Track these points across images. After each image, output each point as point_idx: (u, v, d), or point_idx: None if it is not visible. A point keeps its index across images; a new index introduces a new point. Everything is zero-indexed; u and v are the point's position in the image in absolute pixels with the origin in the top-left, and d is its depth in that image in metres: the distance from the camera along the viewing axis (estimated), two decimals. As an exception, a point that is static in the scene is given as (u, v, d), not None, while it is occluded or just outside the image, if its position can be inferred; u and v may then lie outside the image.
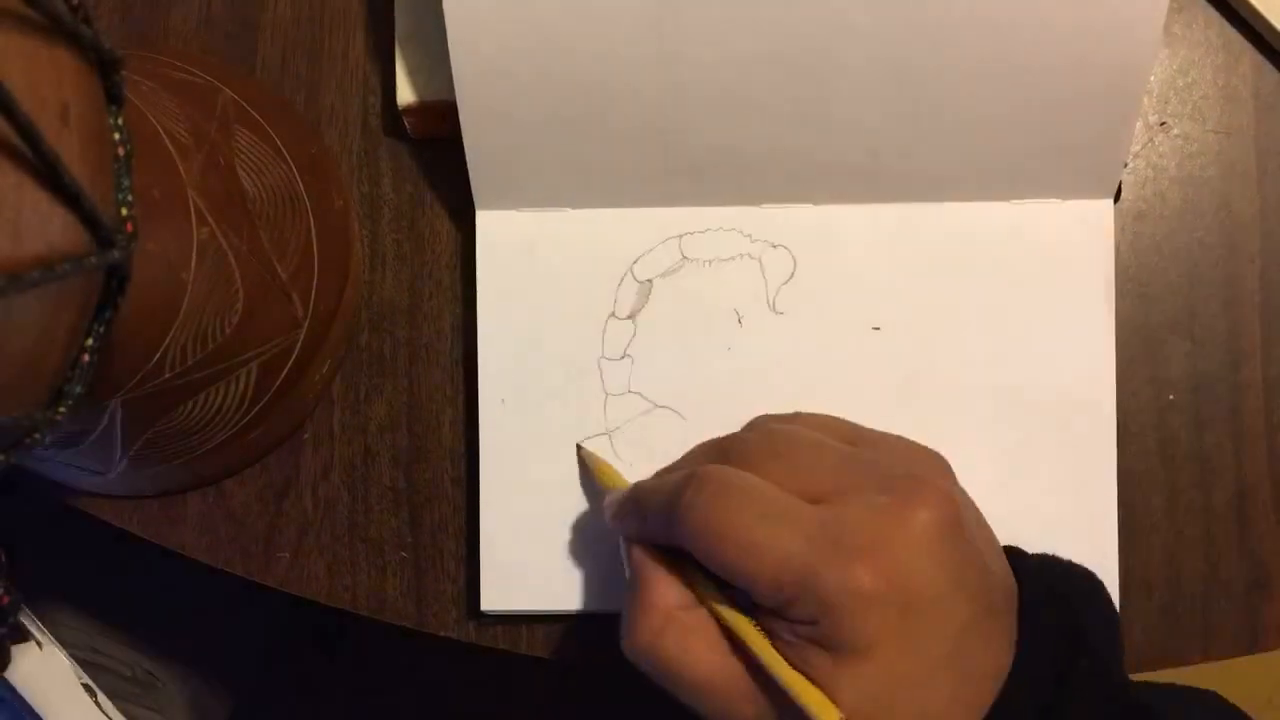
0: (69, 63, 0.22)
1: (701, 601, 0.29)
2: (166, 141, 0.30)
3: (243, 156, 0.34)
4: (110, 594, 0.53)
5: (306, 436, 0.39)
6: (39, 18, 0.21)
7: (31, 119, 0.20)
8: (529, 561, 0.36)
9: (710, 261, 0.37)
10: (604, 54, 0.33)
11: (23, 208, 0.21)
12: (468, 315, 0.38)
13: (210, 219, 0.31)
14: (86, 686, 0.37)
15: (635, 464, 0.36)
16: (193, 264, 0.30)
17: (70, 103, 0.22)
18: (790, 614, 0.27)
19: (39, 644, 0.37)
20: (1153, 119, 0.38)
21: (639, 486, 0.32)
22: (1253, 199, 0.37)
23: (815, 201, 0.36)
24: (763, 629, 0.28)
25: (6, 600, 0.26)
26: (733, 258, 0.37)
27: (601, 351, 0.37)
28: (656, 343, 0.36)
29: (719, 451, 0.31)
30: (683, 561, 0.29)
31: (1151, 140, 0.38)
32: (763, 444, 0.30)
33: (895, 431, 0.31)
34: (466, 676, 0.87)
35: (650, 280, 0.37)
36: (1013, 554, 0.30)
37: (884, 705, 0.26)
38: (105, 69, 0.23)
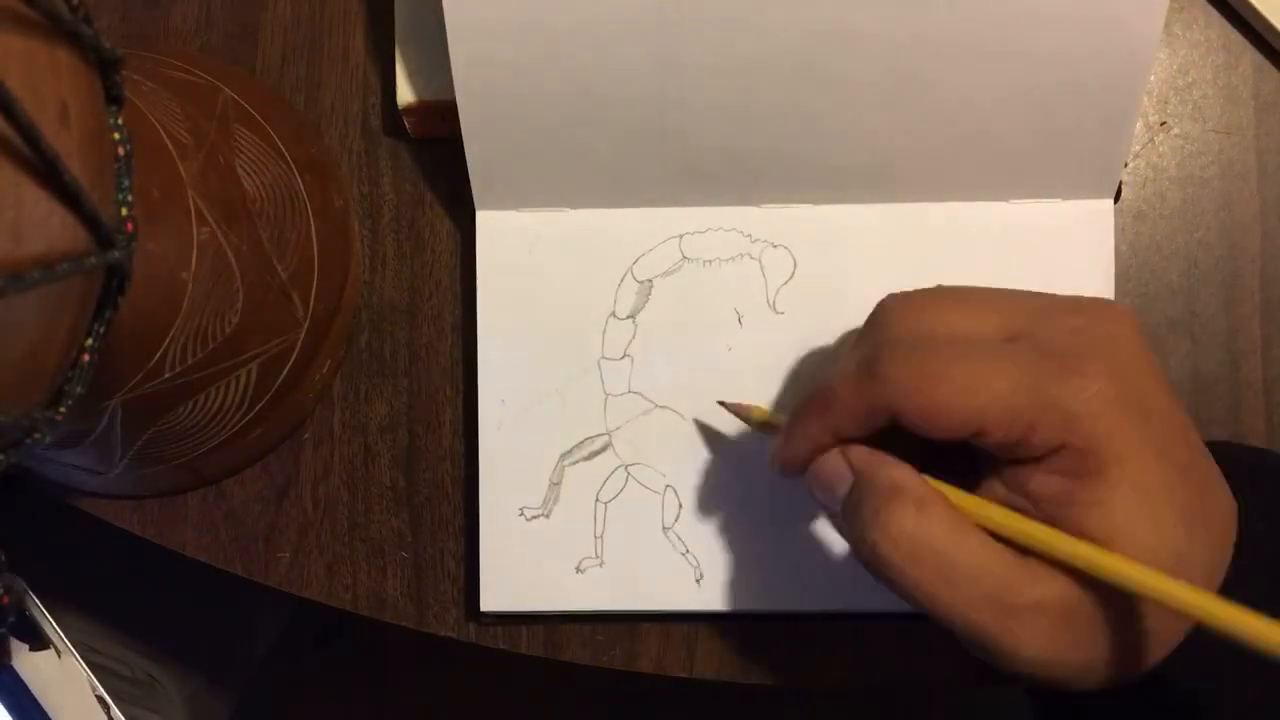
0: (69, 62, 0.22)
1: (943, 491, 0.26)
2: (166, 141, 0.30)
3: (243, 156, 0.34)
4: (110, 594, 0.53)
5: (306, 437, 0.39)
6: (39, 17, 0.21)
7: (31, 119, 0.20)
8: (529, 561, 0.36)
9: (710, 261, 0.37)
10: (604, 53, 0.33)
11: (23, 208, 0.21)
12: (468, 315, 0.38)
13: (210, 219, 0.31)
14: (100, 699, 0.37)
15: (636, 465, 0.36)
16: (193, 264, 0.30)
17: (70, 102, 0.22)
18: (1031, 445, 0.25)
19: (58, 652, 0.37)
20: (1153, 119, 0.38)
21: (806, 396, 0.29)
22: (1253, 199, 0.37)
23: (815, 201, 0.36)
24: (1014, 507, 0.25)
25: (6, 600, 0.26)
26: (733, 258, 0.37)
27: (601, 351, 0.37)
28: (656, 343, 0.36)
29: (869, 329, 0.28)
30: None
31: (1151, 140, 0.38)
32: (921, 299, 0.28)
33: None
34: (467, 676, 0.87)
35: (650, 280, 0.37)
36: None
37: (1150, 515, 0.24)
38: (105, 69, 0.23)
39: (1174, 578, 0.23)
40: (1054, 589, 0.25)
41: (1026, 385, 0.25)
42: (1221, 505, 0.26)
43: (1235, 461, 0.28)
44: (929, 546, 0.25)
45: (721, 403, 0.35)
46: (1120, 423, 0.25)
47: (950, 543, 0.25)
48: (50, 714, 0.36)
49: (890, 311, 0.28)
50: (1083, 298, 0.28)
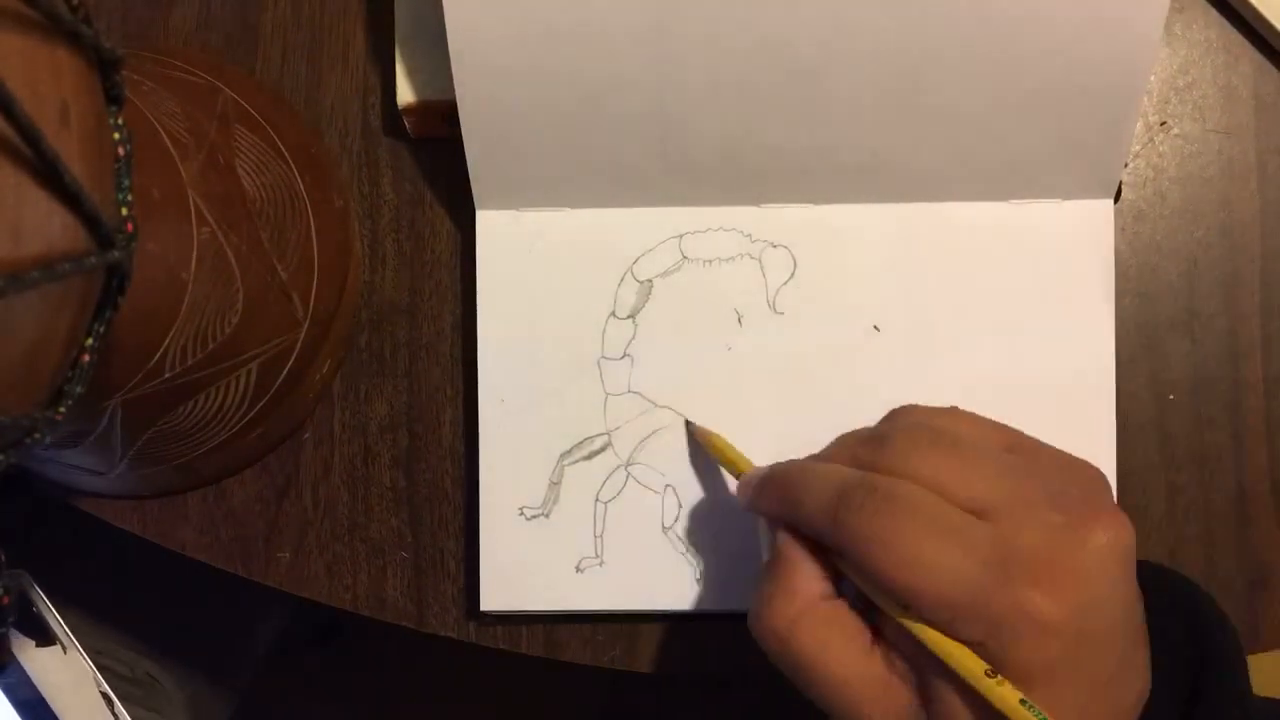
0: (69, 62, 0.22)
1: (859, 600, 0.28)
2: (166, 141, 0.30)
3: (243, 156, 0.34)
4: (110, 594, 0.53)
5: (307, 436, 0.39)
6: (39, 17, 0.21)
7: (31, 119, 0.20)
8: (529, 561, 0.36)
9: (710, 261, 0.37)
10: (604, 53, 0.33)
11: (23, 208, 0.21)
12: (468, 315, 0.38)
13: (210, 219, 0.31)
14: (105, 695, 0.37)
15: (635, 464, 0.36)
16: (193, 264, 0.30)
17: (70, 102, 0.22)
18: (954, 632, 0.26)
19: (64, 648, 0.37)
20: (1153, 119, 0.38)
21: (788, 471, 0.30)
22: (1253, 198, 0.37)
23: (815, 201, 0.36)
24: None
25: (6, 600, 0.26)
26: (733, 257, 0.37)
27: (601, 351, 0.37)
28: (656, 342, 0.36)
29: (874, 444, 0.29)
30: (828, 551, 0.28)
31: (1151, 140, 0.38)
32: (923, 443, 0.28)
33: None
34: (467, 676, 0.87)
35: (650, 280, 0.37)
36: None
37: None
38: (105, 69, 0.23)
39: None
40: (896, 712, 0.27)
41: (969, 585, 0.25)
42: (1133, 694, 0.27)
43: (1169, 604, 0.29)
44: (797, 651, 0.28)
45: (689, 423, 0.36)
46: (1047, 646, 0.25)
47: (816, 654, 0.27)
48: (55, 710, 0.36)
49: (893, 444, 0.29)
50: (1082, 479, 0.28)
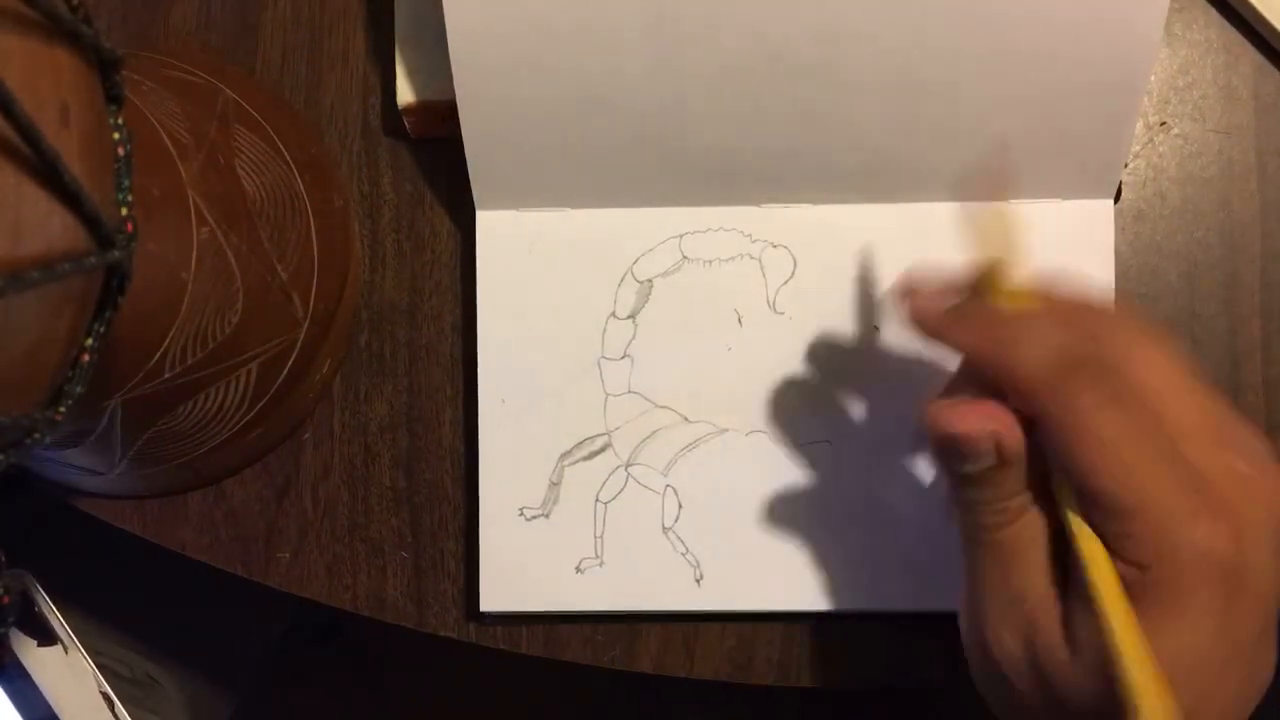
0: (69, 62, 0.22)
1: (1071, 524, 0.26)
2: (166, 141, 0.30)
3: (243, 156, 0.34)
4: (110, 596, 0.53)
5: (307, 436, 0.39)
6: (38, 17, 0.21)
7: (31, 119, 0.20)
8: (529, 562, 0.36)
9: (710, 261, 0.37)
10: (604, 53, 0.33)
11: (23, 207, 0.21)
12: (468, 315, 0.38)
13: (210, 219, 0.31)
14: (105, 695, 0.37)
15: (636, 465, 0.36)
16: (193, 264, 0.30)
17: (70, 102, 0.22)
18: (1120, 547, 0.25)
19: (65, 648, 0.37)
20: (1153, 119, 0.38)
21: (999, 318, 0.27)
22: (1253, 199, 0.37)
23: (815, 201, 0.36)
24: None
25: (7, 600, 0.26)
26: (733, 258, 0.37)
27: (601, 351, 0.37)
28: (656, 343, 0.36)
29: (1096, 314, 0.28)
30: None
31: (1151, 140, 0.38)
32: (1150, 338, 0.27)
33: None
34: (467, 676, 0.87)
35: (650, 280, 0.37)
36: None
37: (1183, 675, 0.24)
38: (105, 69, 0.23)
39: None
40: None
41: (1164, 504, 0.25)
42: (1260, 680, 0.26)
43: None
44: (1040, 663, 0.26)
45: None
46: (1212, 587, 0.25)
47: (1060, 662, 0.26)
48: (56, 710, 0.36)
49: (1116, 323, 0.28)
50: (1262, 441, 0.27)
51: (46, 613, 0.38)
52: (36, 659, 0.37)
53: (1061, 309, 0.28)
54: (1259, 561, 0.25)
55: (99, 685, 0.37)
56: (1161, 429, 0.26)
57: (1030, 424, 0.26)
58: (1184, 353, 0.27)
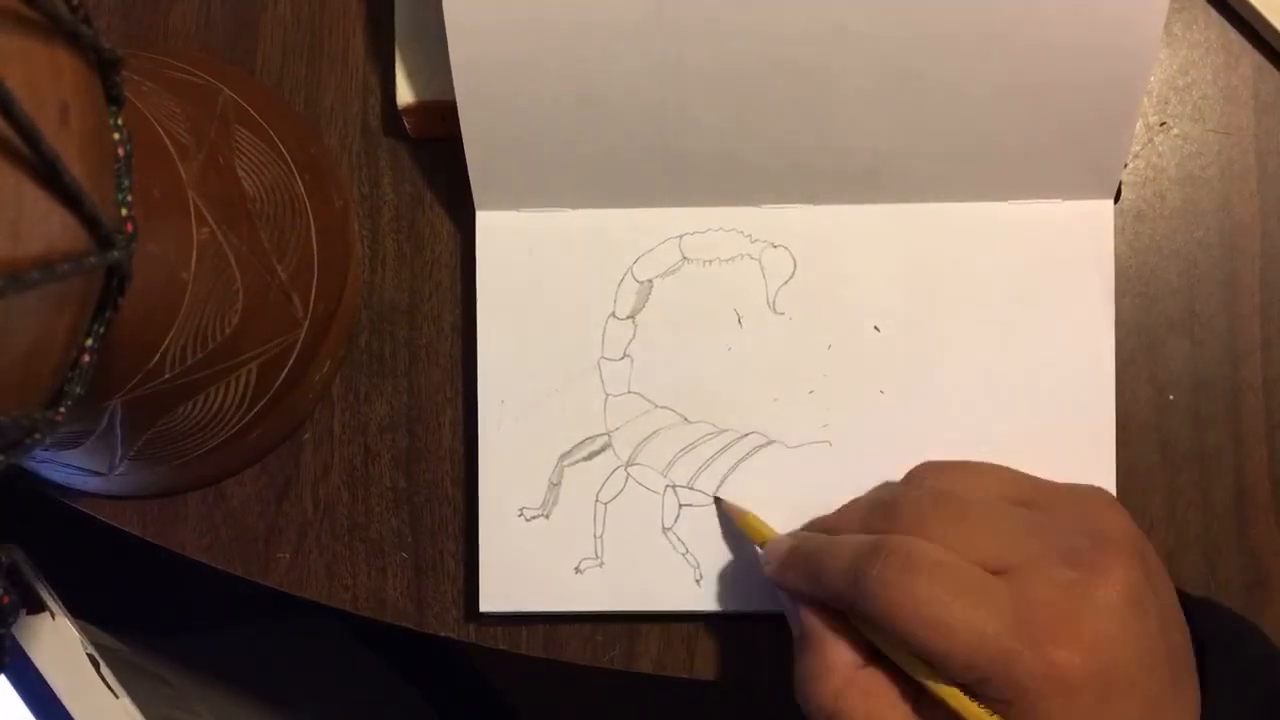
0: (69, 63, 0.22)
1: (897, 666, 0.28)
2: (166, 142, 0.30)
3: (243, 157, 0.34)
4: (110, 595, 0.53)
5: (306, 437, 0.39)
6: (38, 17, 0.21)
7: (31, 119, 0.20)
8: (528, 562, 0.36)
9: (710, 262, 0.37)
10: (604, 54, 0.33)
11: (22, 208, 0.21)
12: (468, 315, 0.38)
13: (210, 219, 0.31)
14: (91, 657, 0.38)
15: (635, 465, 0.36)
16: (193, 264, 0.30)
17: (70, 103, 0.22)
18: (983, 692, 0.26)
19: (52, 614, 0.38)
20: (1153, 119, 0.38)
21: (806, 543, 0.31)
22: (1252, 199, 0.37)
23: (815, 202, 0.36)
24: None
25: (6, 600, 0.26)
26: (733, 258, 0.37)
27: (601, 352, 0.37)
28: (656, 343, 0.36)
29: (885, 510, 0.30)
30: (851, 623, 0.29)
31: (1151, 140, 0.38)
32: (936, 508, 0.29)
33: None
34: (467, 676, 0.87)
35: (650, 280, 0.37)
36: (1187, 602, 0.30)
37: None
38: (105, 69, 0.23)
39: None
40: None
41: (993, 646, 0.26)
42: None
43: (1211, 638, 0.29)
44: None
45: (718, 499, 0.36)
46: (1071, 704, 0.25)
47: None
48: (43, 674, 0.37)
49: (902, 510, 0.29)
50: (1096, 528, 0.28)
51: (34, 580, 0.38)
52: (24, 625, 0.37)
53: (853, 519, 0.31)
54: (1118, 659, 0.26)
55: (85, 648, 0.37)
56: (972, 576, 0.27)
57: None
58: (983, 487, 0.30)
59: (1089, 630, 0.26)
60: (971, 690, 0.27)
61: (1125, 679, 0.26)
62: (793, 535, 0.33)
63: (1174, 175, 0.38)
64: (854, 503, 0.32)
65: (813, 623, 0.30)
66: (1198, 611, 0.29)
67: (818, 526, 0.33)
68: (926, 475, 0.32)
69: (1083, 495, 0.30)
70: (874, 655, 0.29)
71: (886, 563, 0.27)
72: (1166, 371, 0.37)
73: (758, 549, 0.35)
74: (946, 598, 0.26)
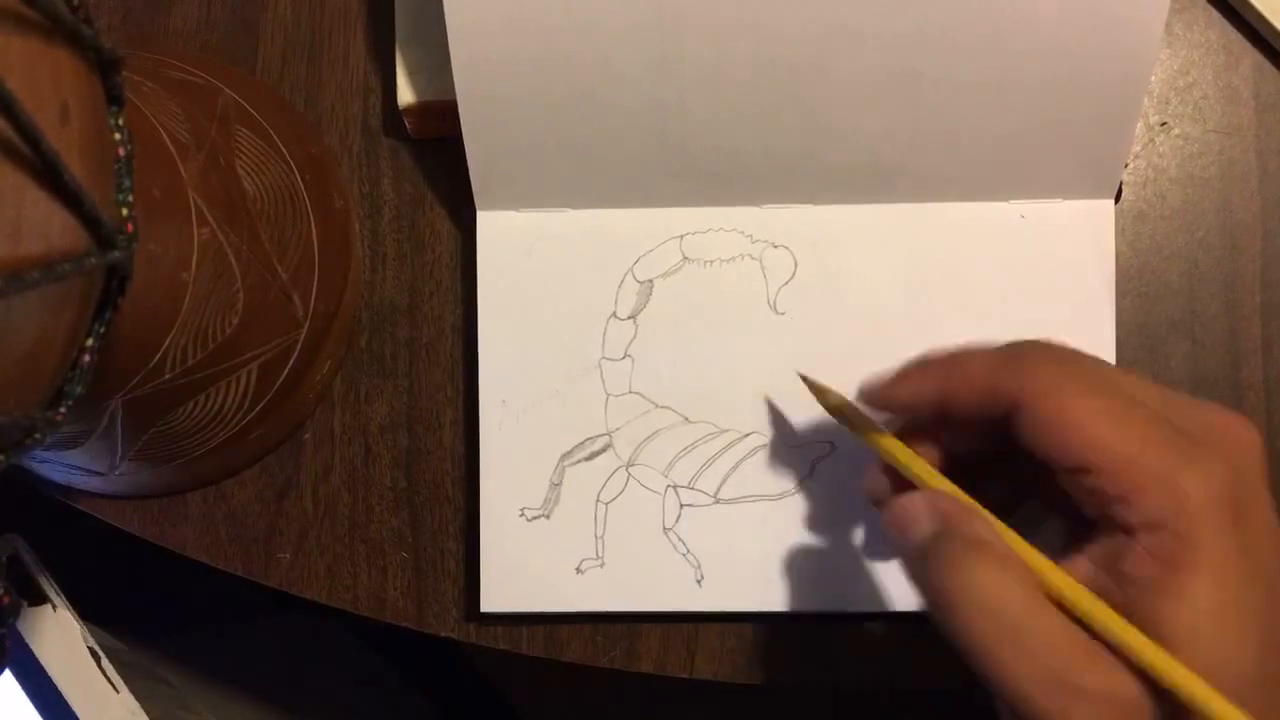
0: (69, 63, 0.22)
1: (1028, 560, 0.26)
2: (167, 141, 0.30)
3: (243, 156, 0.34)
4: (111, 595, 0.53)
5: (307, 437, 0.39)
6: (39, 18, 0.21)
7: (32, 119, 0.20)
8: (529, 562, 0.36)
9: (711, 262, 0.37)
10: (605, 54, 0.33)
11: (23, 208, 0.21)
12: (468, 315, 0.38)
13: (211, 219, 0.31)
14: (92, 650, 0.38)
15: (636, 465, 0.36)
16: (193, 264, 0.30)
17: (70, 103, 0.22)
18: (1130, 509, 0.24)
19: (54, 606, 0.38)
20: (1153, 119, 0.38)
21: (948, 350, 0.28)
22: (1253, 199, 0.37)
23: (816, 202, 0.36)
24: (1094, 587, 0.25)
25: (7, 600, 0.26)
26: (733, 258, 0.37)
27: (602, 352, 0.37)
28: (657, 343, 0.36)
29: (1015, 346, 0.27)
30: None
31: (1152, 140, 0.38)
32: (1075, 354, 0.27)
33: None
34: (467, 676, 0.87)
35: (651, 280, 0.37)
36: None
37: (1229, 627, 0.24)
38: (105, 69, 0.23)
39: (1232, 699, 0.23)
40: (1120, 682, 0.24)
41: (1155, 446, 0.24)
42: None
43: None
44: (1002, 606, 0.24)
45: (803, 375, 0.34)
46: (1225, 524, 0.24)
47: (1025, 609, 0.24)
48: (45, 666, 0.37)
49: (1047, 347, 0.28)
50: (1212, 404, 0.27)
51: (36, 573, 0.38)
52: (26, 618, 0.38)
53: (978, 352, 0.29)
54: (1256, 496, 0.25)
55: (86, 641, 0.38)
56: (1129, 389, 0.26)
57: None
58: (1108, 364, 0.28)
59: (1234, 457, 0.25)
60: (1122, 512, 0.24)
61: (1264, 521, 0.25)
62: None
63: (1175, 175, 0.38)
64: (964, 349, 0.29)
65: (950, 504, 0.27)
66: None
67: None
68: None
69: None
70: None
71: (1048, 350, 0.25)
72: (1167, 371, 0.37)
73: (838, 436, 0.33)
74: (1108, 395, 0.25)
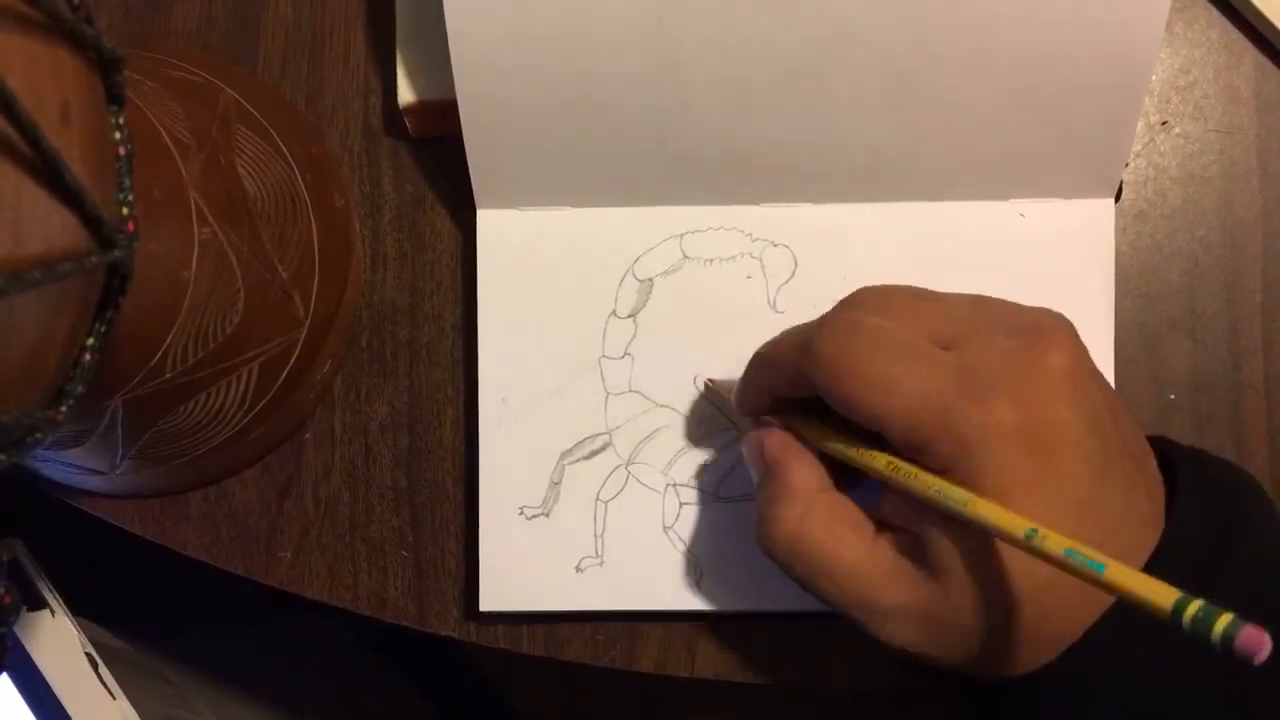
0: (70, 62, 0.22)
1: (832, 450, 0.28)
2: (167, 141, 0.30)
3: (244, 156, 0.34)
4: (113, 594, 0.53)
5: (307, 436, 0.39)
6: (40, 17, 0.21)
7: (32, 118, 0.20)
8: (529, 561, 0.36)
9: (711, 260, 0.37)
10: (605, 52, 0.33)
11: (23, 207, 0.21)
12: (469, 314, 0.38)
13: (211, 218, 0.31)
14: (89, 656, 0.38)
15: (636, 464, 0.36)
16: (194, 263, 0.30)
17: (71, 102, 0.22)
18: (925, 459, 0.26)
19: (52, 611, 0.38)
20: (1154, 118, 0.38)
21: (763, 348, 0.31)
22: (1254, 199, 0.37)
23: (816, 200, 0.36)
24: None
25: (8, 599, 0.26)
26: (733, 257, 0.37)
27: (602, 350, 0.37)
28: (657, 342, 0.36)
29: (837, 305, 0.29)
30: (811, 423, 0.29)
31: (1153, 140, 0.38)
32: (881, 293, 0.29)
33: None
34: (467, 676, 0.87)
35: (651, 279, 0.37)
36: (1161, 441, 0.29)
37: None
38: (106, 68, 0.23)
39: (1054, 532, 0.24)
40: (915, 596, 0.27)
41: (932, 402, 0.26)
42: (1131, 525, 0.27)
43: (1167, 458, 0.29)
44: (807, 546, 0.28)
45: (709, 382, 0.36)
46: (1012, 458, 0.25)
47: (827, 545, 0.28)
48: (42, 671, 0.37)
49: (855, 295, 0.29)
50: (1035, 314, 0.28)
51: (35, 577, 0.38)
52: (24, 622, 0.38)
53: (805, 325, 0.31)
54: (1058, 418, 0.26)
55: (84, 647, 0.38)
56: (916, 344, 0.27)
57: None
58: (935, 290, 0.29)
59: (1030, 387, 0.26)
60: (918, 460, 0.26)
61: (1068, 439, 0.26)
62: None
63: (1175, 174, 0.38)
64: (800, 325, 0.31)
65: (775, 447, 0.29)
66: (1186, 456, 0.29)
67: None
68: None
69: (1033, 307, 0.29)
70: (836, 484, 0.29)
71: (831, 329, 0.27)
72: (1168, 371, 0.37)
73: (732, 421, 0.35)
74: (889, 357, 0.26)
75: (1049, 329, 0.27)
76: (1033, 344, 0.26)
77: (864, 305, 0.28)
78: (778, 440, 0.30)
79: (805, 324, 0.29)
